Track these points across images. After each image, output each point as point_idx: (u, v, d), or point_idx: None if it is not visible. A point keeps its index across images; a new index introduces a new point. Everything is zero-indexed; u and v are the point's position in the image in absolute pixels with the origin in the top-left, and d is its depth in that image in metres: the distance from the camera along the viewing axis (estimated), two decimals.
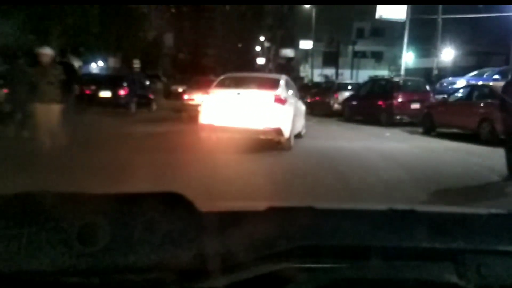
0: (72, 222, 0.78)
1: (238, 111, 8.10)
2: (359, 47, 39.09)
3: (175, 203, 0.87)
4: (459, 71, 22.72)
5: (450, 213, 1.20)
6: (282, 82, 8.80)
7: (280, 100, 8.21)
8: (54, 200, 0.87)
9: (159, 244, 0.78)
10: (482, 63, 26.18)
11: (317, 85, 28.96)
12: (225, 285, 0.76)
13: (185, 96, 14.42)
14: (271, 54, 64.12)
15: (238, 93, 8.28)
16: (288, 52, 50.63)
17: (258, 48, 74.22)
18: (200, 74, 24.18)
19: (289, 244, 0.83)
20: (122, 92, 15.32)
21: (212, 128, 8.24)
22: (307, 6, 39.98)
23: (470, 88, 11.07)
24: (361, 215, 1.07)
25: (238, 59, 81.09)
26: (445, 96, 12.68)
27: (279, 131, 8.07)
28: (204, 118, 8.39)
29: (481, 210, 1.18)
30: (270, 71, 62.83)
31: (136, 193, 0.89)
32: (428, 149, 9.29)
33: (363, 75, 38.50)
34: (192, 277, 0.77)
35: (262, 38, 69.09)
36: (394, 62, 42.42)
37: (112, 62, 30.31)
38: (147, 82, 20.78)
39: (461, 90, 11.63)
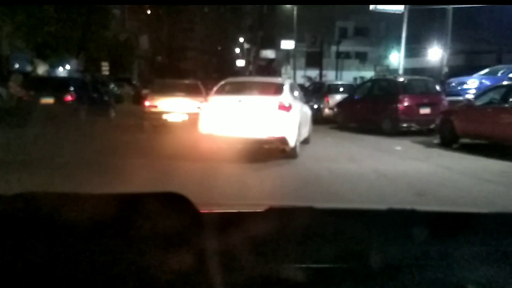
0: (72, 222, 0.79)
1: (240, 120, 7.66)
2: (342, 47, 38.01)
3: (175, 203, 0.88)
4: (457, 70, 20.26)
5: (450, 213, 1.17)
6: (286, 87, 8.32)
7: (285, 107, 7.76)
8: (54, 200, 0.88)
9: (159, 244, 0.80)
10: (472, 62, 24.05)
11: (300, 87, 26.22)
12: (225, 285, 0.77)
13: (147, 102, 12.20)
14: (251, 56, 61.28)
15: (240, 100, 7.78)
16: (269, 53, 48.15)
17: (237, 50, 71.22)
18: (177, 77, 22.48)
19: (289, 244, 0.85)
20: (69, 98, 12.86)
21: (212, 138, 7.85)
22: (288, 6, 37.26)
23: (506, 88, 8.55)
24: (361, 215, 1.07)
25: (218, 62, 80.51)
26: (469, 98, 10.54)
27: (283, 141, 7.67)
28: (203, 127, 7.95)
29: (481, 210, 1.19)
30: (250, 74, 60.24)
31: (136, 193, 0.90)
32: (466, 173, 6.80)
33: (347, 76, 37.08)
34: (192, 277, 0.78)
35: (241, 39, 66.09)
36: (379, 62, 41.27)
37: (75, 64, 26.96)
38: (112, 86, 17.76)
39: (490, 92, 9.39)
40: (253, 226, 0.87)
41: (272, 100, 7.75)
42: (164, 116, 11.50)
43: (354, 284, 0.84)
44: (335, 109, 14.50)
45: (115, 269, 0.77)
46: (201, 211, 0.88)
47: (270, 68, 49.00)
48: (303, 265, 0.84)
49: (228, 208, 1.18)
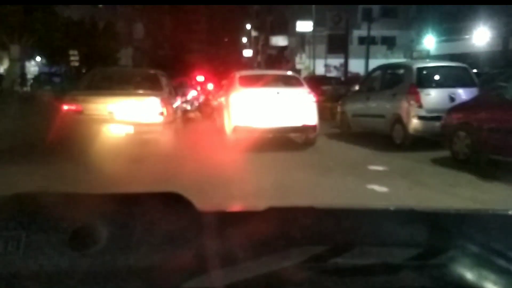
0: (72, 222, 0.82)
1: (275, 110, 8.41)
2: (366, 32, 32.74)
3: (175, 203, 0.90)
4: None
5: (450, 213, 1.19)
6: (302, 79, 9.68)
7: (313, 98, 8.75)
8: (54, 200, 0.90)
9: (159, 244, 0.82)
10: None
11: (326, 79, 19.64)
12: (225, 285, 0.79)
13: (65, 105, 7.74)
14: (260, 44, 54.13)
15: (278, 92, 8.57)
16: (280, 40, 41.77)
17: (244, 40, 64.30)
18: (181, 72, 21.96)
19: (289, 244, 0.86)
20: None
21: (246, 130, 8.37)
22: None
23: None
24: (361, 215, 1.11)
25: (224, 53, 77.75)
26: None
27: (315, 128, 8.73)
28: (236, 119, 8.44)
29: (481, 210, 1.23)
30: (259, 65, 53.50)
31: (136, 193, 0.93)
32: None
33: (374, 65, 31.30)
34: (192, 277, 0.80)
35: (248, 26, 59.01)
36: (410, 48, 36.56)
37: (17, 51, 20.15)
38: None
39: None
40: (253, 226, 0.89)
41: (303, 91, 8.78)
42: (95, 127, 7.45)
43: (354, 284, 0.86)
44: (447, 119, 7.74)
45: (114, 270, 0.79)
46: (201, 211, 0.90)
47: (281, 58, 41.84)
48: (303, 265, 0.85)
49: (228, 208, 1.21)
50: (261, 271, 0.81)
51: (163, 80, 8.89)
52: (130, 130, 7.48)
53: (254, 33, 61.18)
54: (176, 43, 71.32)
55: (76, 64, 24.15)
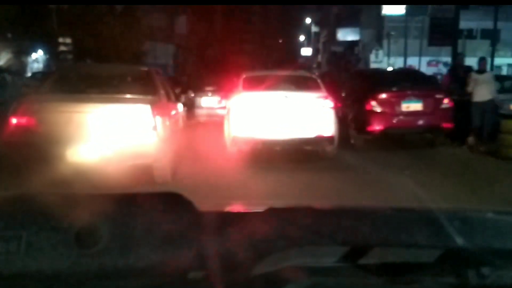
0: (72, 222, 0.84)
1: (283, 118, 7.42)
2: (462, 23, 25.32)
3: (175, 203, 0.93)
4: None
5: (450, 213, 1.18)
6: (319, 81, 8.45)
7: (330, 104, 7.75)
8: (54, 200, 0.94)
9: (159, 244, 0.84)
10: None
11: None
12: (225, 285, 0.81)
13: (13, 118, 5.60)
14: (321, 41, 45.93)
15: (286, 96, 7.53)
16: (350, 34, 32.88)
17: (302, 38, 56.79)
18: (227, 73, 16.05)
19: (289, 244, 0.88)
20: None
21: (248, 142, 7.38)
22: None
23: None
24: (361, 215, 1.13)
25: (279, 55, 70.17)
26: None
27: (332, 140, 7.59)
28: (236, 128, 7.42)
29: (481, 210, 1.29)
30: (319, 65, 45.37)
31: (136, 193, 0.98)
32: None
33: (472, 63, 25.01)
34: (192, 277, 0.83)
35: (308, 20, 51.08)
36: None
37: None
38: None
39: None
40: (253, 226, 0.91)
41: (317, 96, 7.71)
42: (57, 149, 5.54)
43: (354, 284, 0.90)
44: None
45: (115, 270, 0.81)
46: (201, 211, 0.93)
47: (350, 56, 33.45)
48: (303, 265, 0.88)
49: (228, 208, 1.25)
50: (261, 271, 0.84)
51: (159, 80, 6.93)
52: (108, 152, 5.54)
53: (314, 29, 53.05)
54: (226, 43, 66.70)
55: (69, 56, 17.14)
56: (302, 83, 8.12)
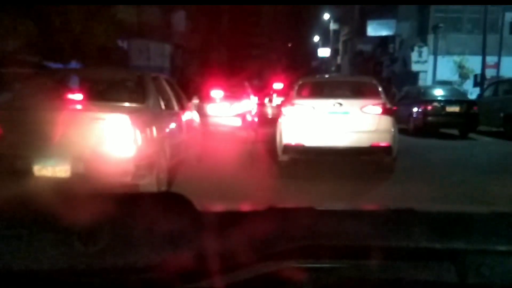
0: (72, 222, 0.85)
1: (337, 126, 7.29)
2: None
3: (175, 203, 0.94)
4: None
5: (450, 213, 1.24)
6: (379, 87, 8.03)
7: (388, 110, 7.38)
8: (54, 200, 0.94)
9: (159, 244, 0.85)
10: None
11: None
12: (225, 285, 0.83)
13: None
14: (341, 40, 39.49)
15: (340, 104, 7.31)
16: (383, 28, 26.27)
17: (316, 38, 50.87)
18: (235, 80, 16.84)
19: (289, 244, 0.89)
20: None
21: (300, 150, 7.28)
22: None
23: None
24: (361, 215, 1.14)
25: (289, 60, 69.72)
26: None
27: (389, 150, 7.22)
28: (288, 136, 7.34)
29: (481, 210, 1.32)
30: (338, 68, 39.10)
31: (136, 193, 1.01)
32: None
33: None
34: (192, 277, 0.83)
35: (326, 16, 44.74)
36: None
37: None
38: None
39: None
40: (253, 226, 0.91)
41: (373, 102, 7.39)
42: (20, 163, 5.15)
43: (354, 284, 0.90)
44: None
45: (114, 269, 0.81)
46: (201, 211, 0.94)
47: (382, 56, 27.26)
48: (303, 265, 0.88)
49: (228, 208, 1.25)
50: (261, 271, 0.84)
51: (150, 86, 6.30)
52: (80, 168, 5.15)
53: (333, 26, 46.27)
54: (233, 46, 65.22)
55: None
56: (359, 89, 8.01)
